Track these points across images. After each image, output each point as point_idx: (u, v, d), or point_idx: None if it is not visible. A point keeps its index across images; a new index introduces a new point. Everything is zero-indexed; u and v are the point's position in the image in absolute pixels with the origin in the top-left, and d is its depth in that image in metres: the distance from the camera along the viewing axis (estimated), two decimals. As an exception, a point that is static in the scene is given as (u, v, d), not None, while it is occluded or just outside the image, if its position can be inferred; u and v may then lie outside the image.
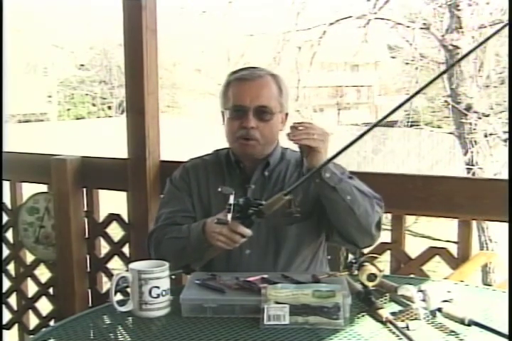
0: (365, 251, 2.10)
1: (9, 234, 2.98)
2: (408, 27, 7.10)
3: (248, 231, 1.57)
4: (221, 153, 1.91)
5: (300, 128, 1.60)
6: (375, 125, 1.54)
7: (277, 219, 1.73)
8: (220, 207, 1.64)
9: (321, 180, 1.62)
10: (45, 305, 2.95)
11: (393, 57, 11.13)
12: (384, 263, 2.10)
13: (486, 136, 6.47)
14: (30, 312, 2.99)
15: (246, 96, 1.77)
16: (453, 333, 1.34)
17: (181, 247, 1.71)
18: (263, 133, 1.77)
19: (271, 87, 1.80)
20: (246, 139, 1.77)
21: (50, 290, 2.91)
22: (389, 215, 2.25)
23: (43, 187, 2.87)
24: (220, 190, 1.62)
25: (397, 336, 1.33)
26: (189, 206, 1.84)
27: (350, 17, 7.01)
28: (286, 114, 1.86)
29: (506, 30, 1.44)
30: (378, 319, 1.41)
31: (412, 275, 2.13)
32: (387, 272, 2.15)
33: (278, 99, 1.80)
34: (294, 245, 1.80)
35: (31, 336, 2.96)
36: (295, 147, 1.70)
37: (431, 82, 1.52)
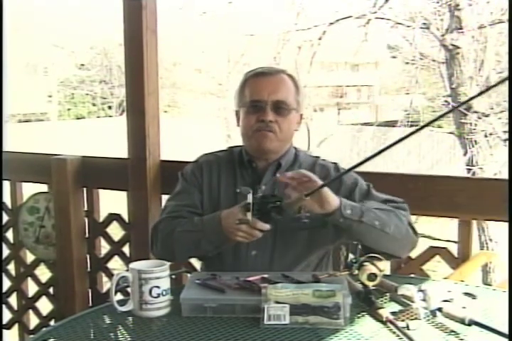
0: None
1: (9, 234, 2.98)
2: (408, 26, 7.10)
3: (267, 226, 1.56)
4: (235, 150, 1.88)
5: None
6: (414, 132, 1.42)
7: (287, 222, 1.73)
8: (229, 205, 1.65)
9: (344, 218, 1.58)
10: (45, 305, 2.95)
11: (393, 57, 11.13)
12: (384, 262, 2.10)
13: (486, 136, 6.47)
14: (31, 311, 2.99)
15: (264, 91, 1.74)
16: (453, 333, 1.34)
17: (195, 240, 1.69)
18: (281, 127, 1.75)
19: (288, 83, 1.78)
20: (264, 131, 1.73)
21: (51, 290, 2.91)
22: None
23: (43, 187, 2.87)
24: (238, 190, 1.62)
25: (397, 336, 1.33)
26: (197, 202, 1.82)
27: (350, 17, 7.00)
28: (301, 115, 1.85)
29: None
30: (378, 319, 1.41)
31: (412, 275, 2.13)
32: (387, 272, 2.14)
33: (295, 97, 1.78)
34: (302, 250, 1.78)
35: (31, 336, 2.95)
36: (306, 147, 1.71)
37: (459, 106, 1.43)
